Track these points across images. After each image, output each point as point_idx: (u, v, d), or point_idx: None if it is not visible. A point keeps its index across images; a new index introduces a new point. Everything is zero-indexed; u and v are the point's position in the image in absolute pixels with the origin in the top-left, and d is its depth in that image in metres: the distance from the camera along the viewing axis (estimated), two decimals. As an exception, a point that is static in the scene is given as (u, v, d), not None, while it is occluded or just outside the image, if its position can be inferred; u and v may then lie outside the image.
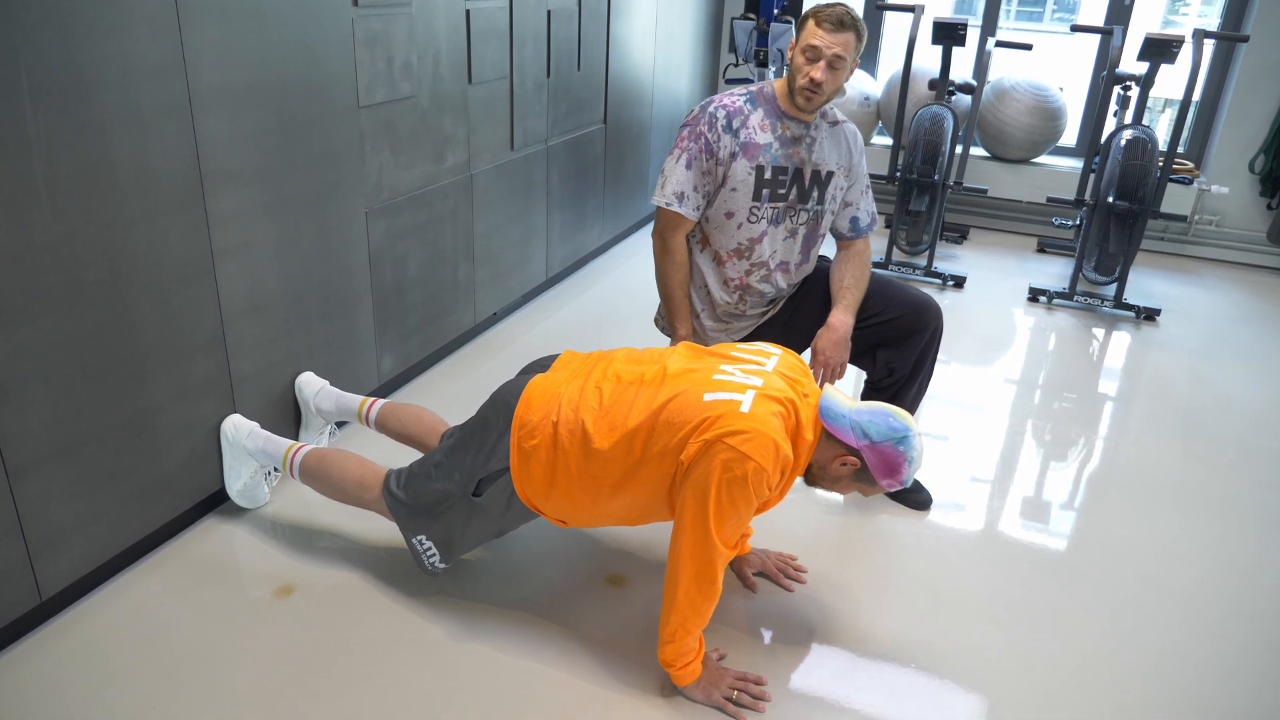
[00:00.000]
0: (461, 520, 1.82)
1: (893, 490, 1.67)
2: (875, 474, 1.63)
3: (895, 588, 2.08)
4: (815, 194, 2.23)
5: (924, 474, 2.49)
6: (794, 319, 2.37)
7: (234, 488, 2.13)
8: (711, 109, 2.17)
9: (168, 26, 1.76)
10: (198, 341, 1.98)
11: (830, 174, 2.23)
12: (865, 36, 2.11)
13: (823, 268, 2.38)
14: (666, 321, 2.41)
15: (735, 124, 2.16)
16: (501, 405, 1.78)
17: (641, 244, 4.41)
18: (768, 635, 1.91)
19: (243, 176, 2.02)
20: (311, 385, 2.31)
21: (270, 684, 1.70)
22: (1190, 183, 4.32)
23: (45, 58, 1.55)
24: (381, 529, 2.11)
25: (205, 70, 1.87)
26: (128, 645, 1.76)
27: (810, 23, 2.09)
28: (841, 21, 2.06)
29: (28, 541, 1.69)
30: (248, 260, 2.08)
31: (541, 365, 1.86)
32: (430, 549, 1.87)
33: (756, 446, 1.54)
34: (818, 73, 2.07)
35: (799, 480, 1.74)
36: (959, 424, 2.86)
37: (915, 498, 2.38)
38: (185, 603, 1.88)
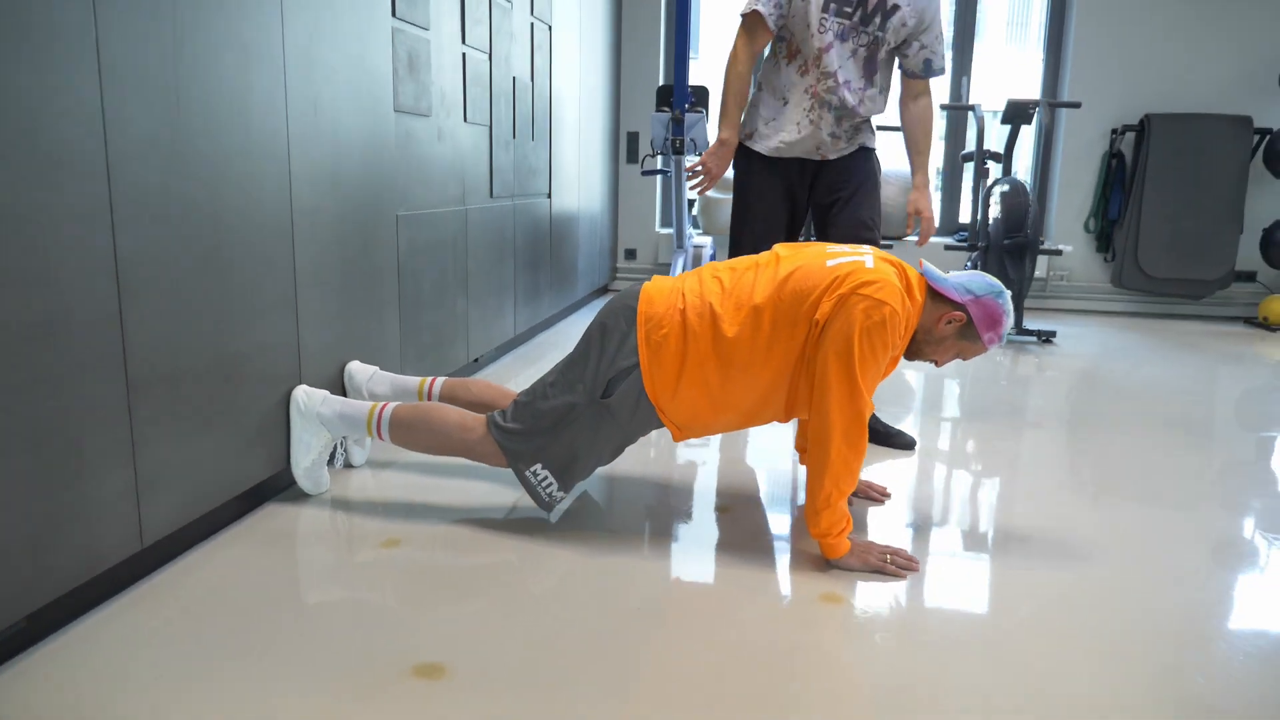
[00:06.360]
0: (588, 431, 1.81)
1: (993, 345, 1.83)
2: (980, 327, 1.80)
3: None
4: (877, 19, 2.41)
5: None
6: (845, 205, 2.53)
7: (301, 464, 1.98)
8: None
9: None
10: (274, 298, 1.91)
11: (895, 7, 2.42)
12: None
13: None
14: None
15: None
16: (621, 309, 1.83)
17: (580, 329, 4.53)
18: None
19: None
20: (363, 371, 2.23)
21: (393, 621, 1.57)
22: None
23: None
24: (470, 491, 2.02)
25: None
26: (232, 595, 1.59)
27: None
28: None
29: (138, 472, 1.52)
30: (313, 230, 2.05)
31: (631, 291, 1.88)
32: (547, 478, 1.83)
33: (890, 293, 1.69)
34: None
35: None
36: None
37: (900, 440, 2.58)
38: (286, 558, 1.72)
